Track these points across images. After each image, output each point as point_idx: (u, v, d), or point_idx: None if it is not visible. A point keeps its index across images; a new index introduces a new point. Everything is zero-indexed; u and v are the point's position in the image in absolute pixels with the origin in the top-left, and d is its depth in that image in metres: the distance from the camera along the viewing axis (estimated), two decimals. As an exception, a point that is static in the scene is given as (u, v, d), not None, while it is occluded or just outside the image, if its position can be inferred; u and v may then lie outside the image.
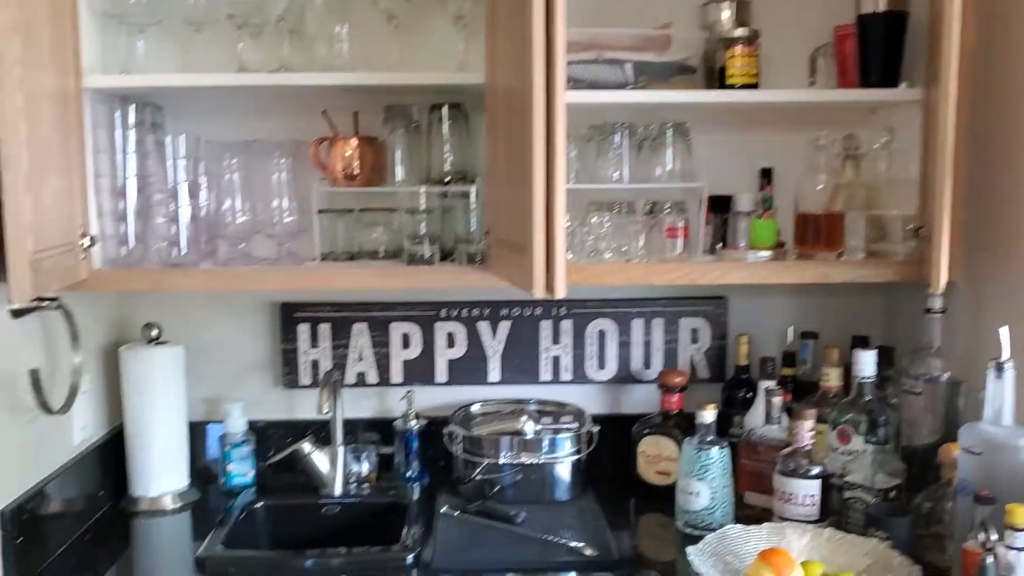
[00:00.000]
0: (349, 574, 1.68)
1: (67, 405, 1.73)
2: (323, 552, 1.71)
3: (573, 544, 1.74)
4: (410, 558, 1.71)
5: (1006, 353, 1.52)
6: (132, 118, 1.86)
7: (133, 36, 1.91)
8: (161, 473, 2.00)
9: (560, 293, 1.51)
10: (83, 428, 1.92)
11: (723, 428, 1.99)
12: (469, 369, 2.17)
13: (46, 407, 1.66)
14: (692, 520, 1.82)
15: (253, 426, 2.12)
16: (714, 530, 1.76)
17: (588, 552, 1.72)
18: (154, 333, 2.00)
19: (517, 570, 1.69)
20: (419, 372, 2.16)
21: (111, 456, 2.01)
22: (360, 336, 2.15)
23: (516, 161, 1.60)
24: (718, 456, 1.81)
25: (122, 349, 1.99)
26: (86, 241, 1.76)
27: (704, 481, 1.81)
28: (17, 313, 1.65)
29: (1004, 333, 1.52)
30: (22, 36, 1.48)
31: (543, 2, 1.48)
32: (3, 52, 1.42)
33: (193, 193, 1.90)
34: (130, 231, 1.87)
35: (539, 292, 1.51)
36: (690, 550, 1.62)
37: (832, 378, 1.93)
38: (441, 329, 2.15)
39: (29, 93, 1.51)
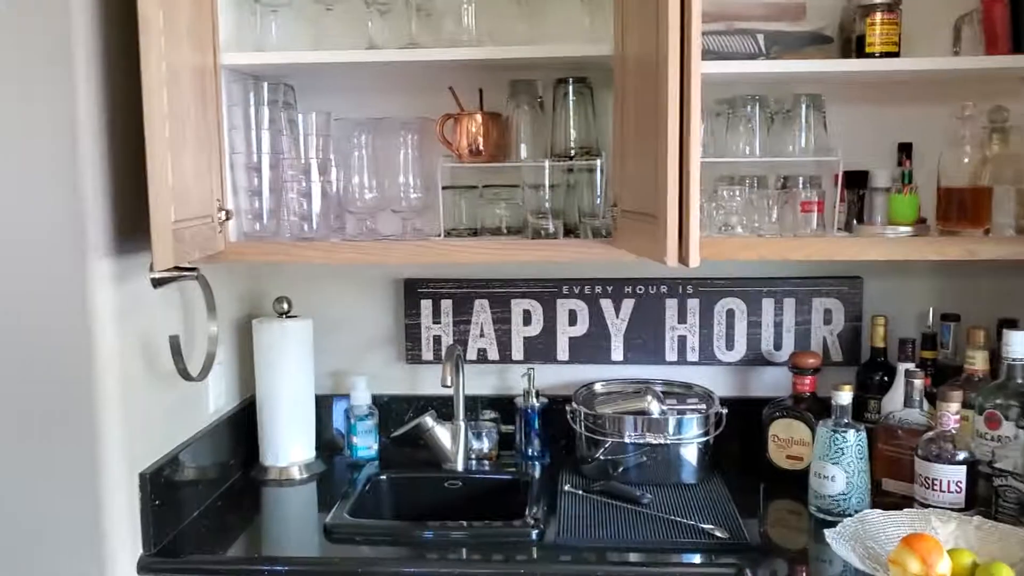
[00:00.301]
0: (473, 548, 1.68)
1: (204, 372, 1.78)
2: (447, 524, 1.72)
3: (704, 526, 1.70)
4: (534, 534, 1.70)
5: None
6: (266, 96, 1.90)
7: (266, 16, 1.96)
8: (290, 444, 2.04)
9: (694, 262, 1.47)
10: (217, 397, 1.98)
11: (858, 412, 1.92)
12: (591, 347, 2.14)
13: (185, 373, 1.71)
14: (826, 505, 1.76)
15: (376, 400, 2.14)
16: (849, 516, 1.69)
17: (719, 534, 1.67)
18: (285, 307, 2.05)
19: (644, 550, 1.65)
20: (540, 349, 2.15)
21: (242, 426, 2.07)
22: (481, 312, 2.15)
23: (647, 132, 1.56)
24: (855, 439, 1.74)
25: (255, 322, 2.04)
26: (222, 215, 1.81)
27: (839, 465, 1.74)
28: (158, 283, 1.70)
29: None
30: (166, 9, 1.53)
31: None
32: (149, 22, 1.47)
33: (323, 170, 1.92)
34: (263, 206, 1.91)
35: (672, 261, 1.47)
36: (828, 532, 1.56)
37: (977, 361, 1.83)
38: (563, 306, 2.13)
39: (171, 65, 1.56)
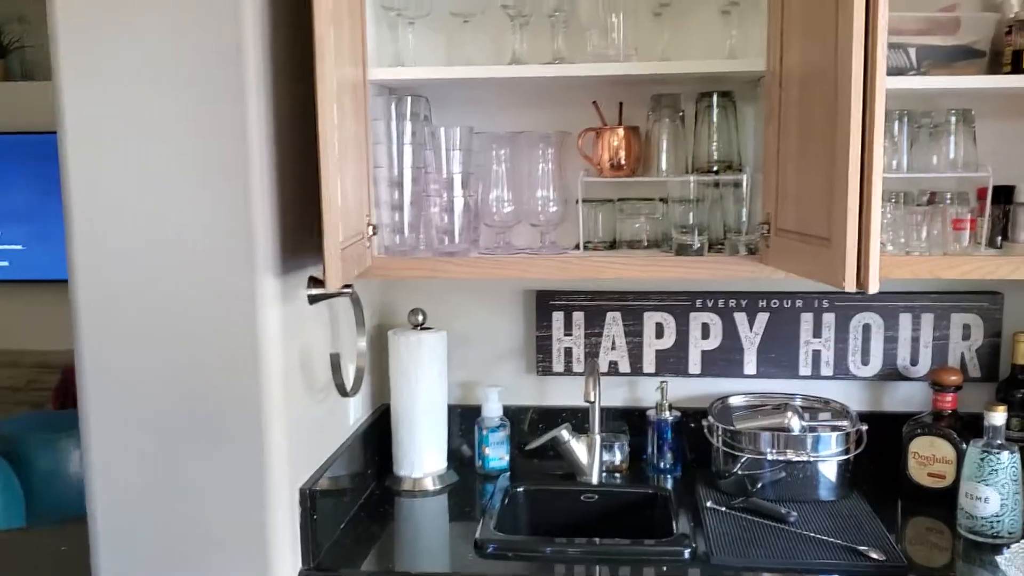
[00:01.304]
0: (627, 564, 1.68)
1: (356, 387, 1.80)
2: (600, 542, 1.73)
3: (859, 547, 1.69)
4: (687, 553, 1.70)
5: None
6: (408, 109, 1.91)
7: (404, 28, 1.96)
8: (424, 455, 2.05)
9: (874, 288, 1.45)
10: (356, 409, 2.00)
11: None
12: (723, 361, 2.13)
13: (342, 389, 1.73)
14: (977, 527, 1.74)
15: (505, 411, 2.15)
16: (1002, 538, 1.69)
17: (875, 556, 1.66)
18: (420, 318, 2.06)
19: (802, 570, 1.65)
20: (672, 363, 2.14)
21: (377, 436, 2.09)
22: (613, 325, 2.14)
23: (815, 149, 1.54)
24: (1009, 461, 1.72)
25: (390, 333, 2.06)
26: (370, 230, 1.82)
27: (993, 487, 1.72)
28: (313, 299, 1.72)
29: None
30: (335, 31, 1.54)
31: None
32: (323, 38, 1.48)
33: (464, 183, 1.92)
34: (404, 220, 1.92)
35: (850, 286, 1.46)
36: (999, 559, 1.55)
37: None
38: (696, 319, 2.13)
39: (339, 83, 1.56)
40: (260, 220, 1.54)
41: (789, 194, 1.68)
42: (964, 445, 1.84)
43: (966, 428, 1.91)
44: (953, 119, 1.85)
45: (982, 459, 1.74)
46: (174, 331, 1.55)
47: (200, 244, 1.53)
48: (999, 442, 1.74)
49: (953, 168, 1.86)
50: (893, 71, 1.81)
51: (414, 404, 2.04)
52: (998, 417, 1.75)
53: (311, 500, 1.68)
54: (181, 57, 1.49)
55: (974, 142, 1.87)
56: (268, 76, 1.55)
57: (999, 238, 1.92)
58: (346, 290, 1.75)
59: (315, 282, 1.72)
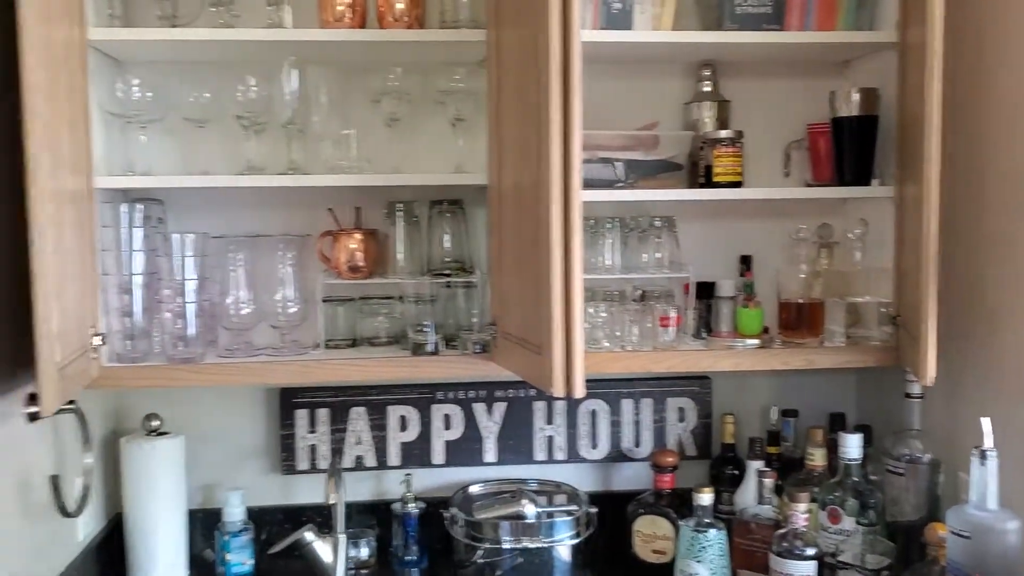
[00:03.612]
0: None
1: (80, 508, 1.73)
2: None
3: (584, 630, 1.80)
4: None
5: (988, 442, 1.64)
6: (139, 216, 1.88)
7: (135, 132, 1.93)
8: (161, 565, 1.99)
9: (579, 393, 1.58)
10: (86, 524, 1.91)
11: (713, 505, 2.07)
12: (465, 450, 2.22)
13: (64, 511, 1.66)
14: (692, 600, 1.90)
15: (250, 512, 2.12)
16: (713, 609, 1.85)
17: (599, 637, 1.78)
18: (154, 424, 2.01)
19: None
20: (416, 454, 2.20)
21: (112, 547, 2.00)
22: (358, 420, 2.18)
23: (527, 262, 1.67)
24: (716, 537, 1.89)
25: (123, 441, 1.99)
26: (97, 340, 1.77)
27: (703, 563, 1.89)
28: (33, 417, 1.64)
29: (986, 424, 1.64)
30: (51, 148, 1.50)
31: (560, 106, 1.56)
32: (36, 170, 1.42)
33: (200, 288, 1.92)
34: (135, 327, 1.88)
35: (559, 392, 1.58)
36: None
37: (817, 458, 2.02)
38: (438, 411, 2.20)
39: (56, 202, 1.53)
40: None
41: (511, 301, 1.81)
42: (681, 522, 2.00)
43: (684, 505, 2.07)
44: (658, 225, 2.06)
45: (693, 537, 1.90)
46: None
47: None
48: (707, 520, 1.91)
49: (660, 268, 2.06)
50: (603, 184, 1.99)
51: (149, 513, 1.97)
52: (705, 498, 1.92)
53: (28, 636, 1.60)
54: None
55: (677, 244, 2.08)
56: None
57: (703, 331, 2.13)
58: (69, 406, 1.68)
59: (35, 399, 1.64)
